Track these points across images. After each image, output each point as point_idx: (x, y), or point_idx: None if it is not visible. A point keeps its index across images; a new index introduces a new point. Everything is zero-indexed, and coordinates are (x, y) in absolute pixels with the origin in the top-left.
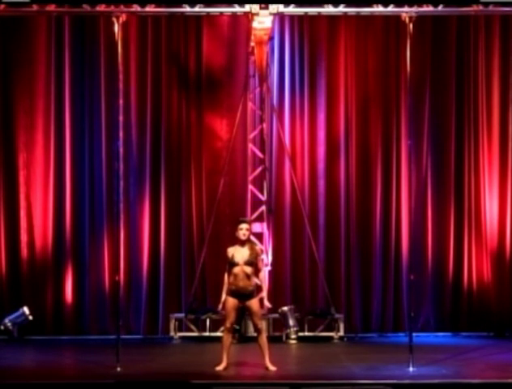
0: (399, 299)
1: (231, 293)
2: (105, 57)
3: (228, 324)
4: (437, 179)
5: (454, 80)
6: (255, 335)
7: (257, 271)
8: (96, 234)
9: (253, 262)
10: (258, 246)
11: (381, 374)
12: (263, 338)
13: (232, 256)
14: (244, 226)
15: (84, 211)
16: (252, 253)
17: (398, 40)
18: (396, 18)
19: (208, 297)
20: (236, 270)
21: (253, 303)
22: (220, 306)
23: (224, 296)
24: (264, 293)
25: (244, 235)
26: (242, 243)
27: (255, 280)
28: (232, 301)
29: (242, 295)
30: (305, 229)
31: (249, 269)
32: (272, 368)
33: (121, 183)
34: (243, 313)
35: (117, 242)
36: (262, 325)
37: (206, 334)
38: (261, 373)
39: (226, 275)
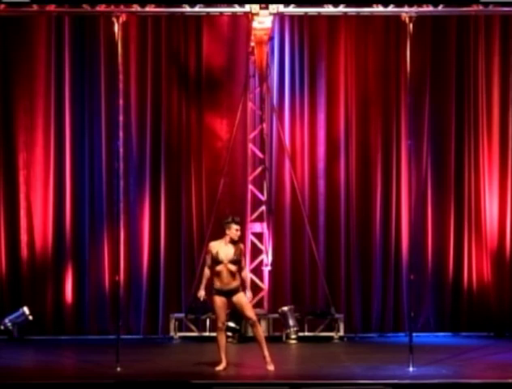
0: (399, 299)
1: (216, 292)
2: (105, 57)
3: (219, 324)
4: (437, 179)
5: (454, 80)
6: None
7: (241, 269)
8: (96, 234)
9: (238, 261)
10: (242, 244)
11: (381, 374)
12: (259, 330)
13: (217, 253)
14: (238, 227)
15: (84, 211)
16: (236, 251)
17: (398, 40)
18: (396, 18)
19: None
20: (220, 267)
21: (240, 297)
22: (200, 293)
23: (202, 287)
24: (247, 291)
25: (238, 236)
26: (231, 241)
27: (243, 275)
28: (219, 300)
29: (227, 291)
30: (305, 229)
31: (233, 267)
32: (271, 366)
33: (121, 183)
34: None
35: (117, 242)
36: (255, 317)
37: (206, 334)
38: (261, 373)
39: (206, 268)
